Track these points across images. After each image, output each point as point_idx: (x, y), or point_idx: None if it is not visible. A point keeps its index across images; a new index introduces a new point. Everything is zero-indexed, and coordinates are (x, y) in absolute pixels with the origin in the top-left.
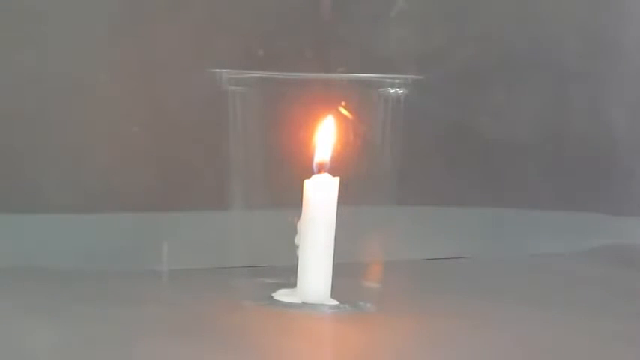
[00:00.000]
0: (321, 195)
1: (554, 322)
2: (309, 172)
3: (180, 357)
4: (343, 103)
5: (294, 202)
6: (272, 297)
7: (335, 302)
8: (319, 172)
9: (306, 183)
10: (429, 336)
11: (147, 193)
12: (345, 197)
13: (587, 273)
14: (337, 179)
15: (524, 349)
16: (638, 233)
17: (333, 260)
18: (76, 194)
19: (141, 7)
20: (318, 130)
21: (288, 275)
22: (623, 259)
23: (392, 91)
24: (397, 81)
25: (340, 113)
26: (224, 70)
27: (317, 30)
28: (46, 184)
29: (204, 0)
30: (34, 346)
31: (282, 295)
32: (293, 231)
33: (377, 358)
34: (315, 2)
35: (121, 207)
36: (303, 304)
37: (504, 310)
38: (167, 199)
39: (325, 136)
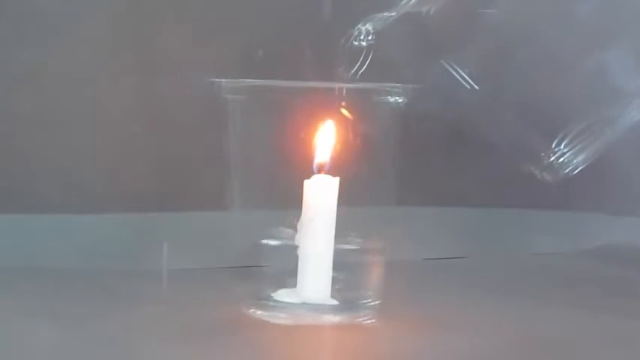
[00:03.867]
0: (321, 195)
1: (554, 322)
2: (309, 173)
3: (180, 357)
4: (343, 104)
5: (294, 202)
6: (272, 297)
7: (335, 302)
8: (319, 172)
9: (306, 183)
10: (429, 336)
11: (147, 193)
12: (345, 197)
13: (587, 273)
14: (337, 179)
15: (525, 349)
16: (638, 233)
17: (333, 260)
18: (76, 194)
19: (141, 6)
20: (318, 131)
21: (288, 275)
22: (623, 259)
23: (392, 99)
24: (396, 90)
25: (340, 114)
26: (223, 80)
27: (317, 32)
28: (46, 184)
29: (205, 0)
30: (34, 346)
31: (282, 295)
32: (293, 231)
33: (377, 358)
34: (317, 3)
35: (121, 207)
36: (303, 304)
37: (504, 310)
38: (167, 199)
39: (325, 138)
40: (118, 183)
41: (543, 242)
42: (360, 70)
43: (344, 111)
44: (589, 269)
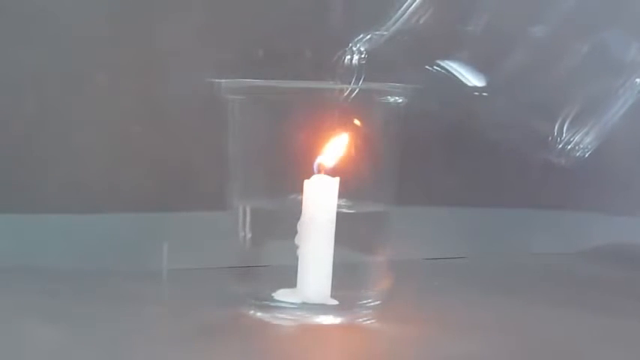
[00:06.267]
0: (321, 195)
1: (554, 322)
2: (309, 173)
3: (180, 358)
4: (355, 119)
5: (294, 202)
6: (272, 297)
7: (335, 302)
8: (319, 172)
9: (306, 183)
10: (429, 336)
11: (147, 193)
12: (345, 197)
13: (587, 273)
14: (337, 179)
15: (524, 349)
16: (638, 233)
17: (333, 260)
18: (76, 194)
19: (141, 6)
20: (322, 133)
21: (288, 275)
22: (623, 259)
23: (392, 100)
24: (397, 90)
25: (342, 116)
26: (223, 80)
27: (318, 32)
28: (46, 184)
29: (205, 0)
30: (34, 346)
31: (282, 295)
32: (293, 231)
33: (377, 358)
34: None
35: (121, 207)
36: (303, 304)
37: (504, 310)
38: (167, 199)
39: (335, 147)
40: (118, 183)
41: (543, 242)
42: (353, 91)
43: (356, 121)
44: (588, 269)
